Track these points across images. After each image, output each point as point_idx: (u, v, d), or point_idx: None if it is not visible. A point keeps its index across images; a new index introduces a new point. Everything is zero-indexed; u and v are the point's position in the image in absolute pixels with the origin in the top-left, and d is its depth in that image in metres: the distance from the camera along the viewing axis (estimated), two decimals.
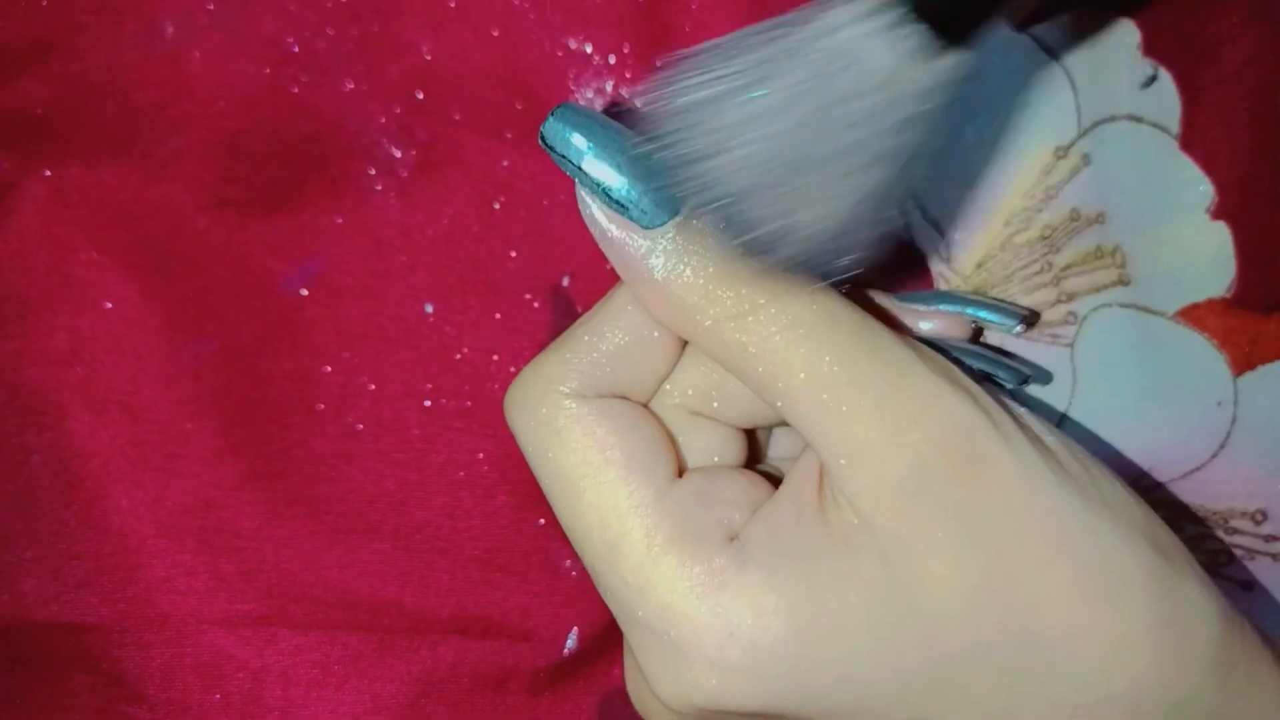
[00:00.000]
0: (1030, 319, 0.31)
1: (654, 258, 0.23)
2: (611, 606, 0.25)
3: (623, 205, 0.23)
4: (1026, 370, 0.29)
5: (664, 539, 0.24)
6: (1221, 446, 0.31)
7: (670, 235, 0.23)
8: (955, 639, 0.23)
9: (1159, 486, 0.33)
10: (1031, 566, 0.23)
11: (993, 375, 0.29)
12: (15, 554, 0.32)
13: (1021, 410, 0.25)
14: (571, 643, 0.33)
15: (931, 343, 0.27)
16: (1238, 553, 0.33)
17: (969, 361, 0.28)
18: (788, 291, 0.23)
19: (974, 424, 0.23)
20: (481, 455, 0.32)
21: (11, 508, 0.31)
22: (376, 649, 0.32)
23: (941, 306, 0.29)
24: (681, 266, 0.23)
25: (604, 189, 0.23)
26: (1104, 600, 0.23)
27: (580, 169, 0.23)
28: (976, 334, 0.30)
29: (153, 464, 0.31)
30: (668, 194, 0.23)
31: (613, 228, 0.23)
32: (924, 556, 0.23)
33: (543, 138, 0.23)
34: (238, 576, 0.32)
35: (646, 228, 0.23)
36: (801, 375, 0.23)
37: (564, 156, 0.23)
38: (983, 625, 0.23)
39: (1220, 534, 0.33)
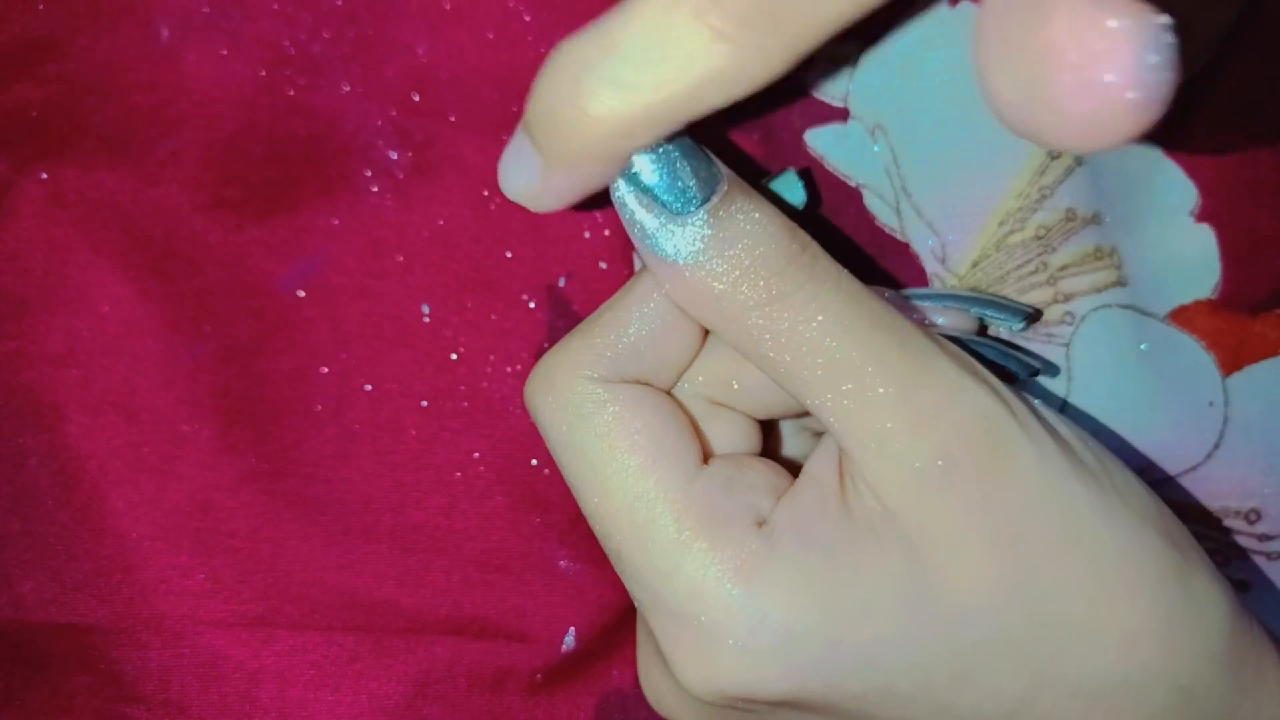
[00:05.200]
0: (1034, 316, 0.31)
1: (682, 245, 0.23)
2: (636, 594, 0.25)
3: (653, 190, 0.23)
4: (1036, 364, 0.29)
5: (694, 524, 0.24)
6: (1215, 447, 0.32)
7: (700, 222, 0.23)
8: (978, 626, 0.24)
9: (1154, 486, 0.33)
10: (1051, 556, 0.24)
11: (1004, 367, 0.29)
12: (13, 555, 0.32)
13: (1037, 402, 0.26)
14: (568, 643, 0.33)
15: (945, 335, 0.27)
16: (1232, 552, 0.33)
17: (982, 353, 0.28)
18: (813, 281, 0.23)
19: (997, 416, 0.24)
20: (478, 455, 0.32)
21: (9, 509, 0.31)
22: (373, 649, 0.32)
23: (945, 304, 0.29)
24: (709, 254, 0.23)
25: (634, 173, 0.23)
26: (1121, 590, 0.24)
27: None
28: (980, 331, 0.31)
29: (150, 465, 0.31)
30: (699, 180, 0.23)
31: (641, 211, 0.23)
32: (948, 545, 0.23)
33: None
34: (234, 577, 0.32)
35: (676, 214, 0.23)
36: (826, 364, 0.23)
37: None
38: (1005, 613, 0.24)
39: (1215, 534, 0.33)
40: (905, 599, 0.24)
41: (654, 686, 0.28)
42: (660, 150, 0.23)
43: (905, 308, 0.29)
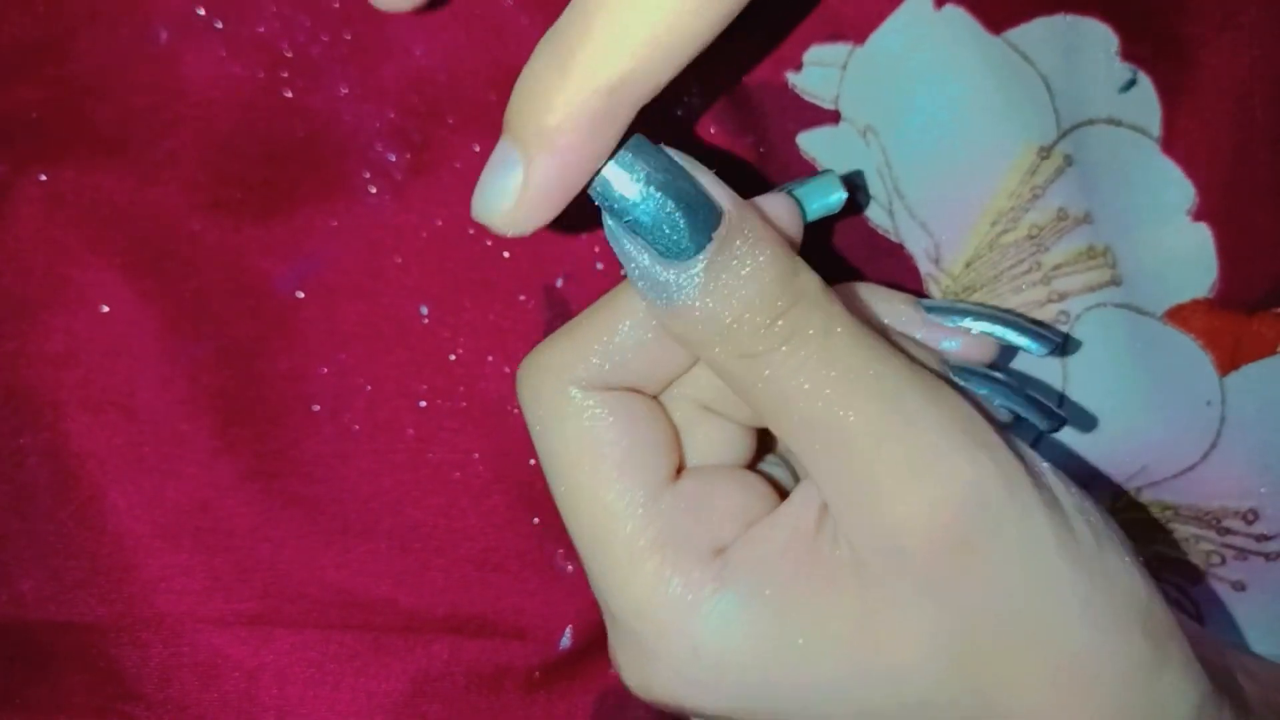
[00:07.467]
0: (1060, 346, 0.30)
1: (673, 288, 0.23)
2: (595, 594, 0.26)
3: (648, 232, 0.23)
4: (1062, 413, 0.28)
5: (647, 543, 0.24)
6: (1212, 446, 0.32)
7: (697, 269, 0.23)
8: (920, 693, 0.24)
9: (1151, 488, 0.33)
10: (1006, 648, 0.23)
11: (1023, 417, 0.27)
12: (13, 554, 0.32)
13: (1044, 465, 0.25)
14: (566, 641, 0.33)
15: (962, 367, 0.27)
16: (1230, 553, 0.33)
17: (999, 400, 0.27)
18: (794, 341, 0.23)
19: (977, 490, 0.23)
20: (476, 455, 0.32)
21: (9, 508, 0.32)
22: (372, 648, 0.32)
23: (970, 321, 0.28)
24: (699, 299, 0.23)
25: (629, 217, 0.23)
26: (1074, 689, 0.23)
27: (610, 188, 0.23)
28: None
29: (149, 464, 0.31)
30: (694, 226, 0.23)
31: (634, 249, 0.23)
32: (902, 614, 0.23)
33: None
34: (234, 576, 0.32)
35: (671, 259, 0.23)
36: (805, 418, 0.23)
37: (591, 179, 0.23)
38: (947, 689, 0.24)
39: (1213, 534, 0.33)
40: (849, 653, 0.24)
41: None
42: (653, 195, 0.22)
43: (921, 325, 0.28)
